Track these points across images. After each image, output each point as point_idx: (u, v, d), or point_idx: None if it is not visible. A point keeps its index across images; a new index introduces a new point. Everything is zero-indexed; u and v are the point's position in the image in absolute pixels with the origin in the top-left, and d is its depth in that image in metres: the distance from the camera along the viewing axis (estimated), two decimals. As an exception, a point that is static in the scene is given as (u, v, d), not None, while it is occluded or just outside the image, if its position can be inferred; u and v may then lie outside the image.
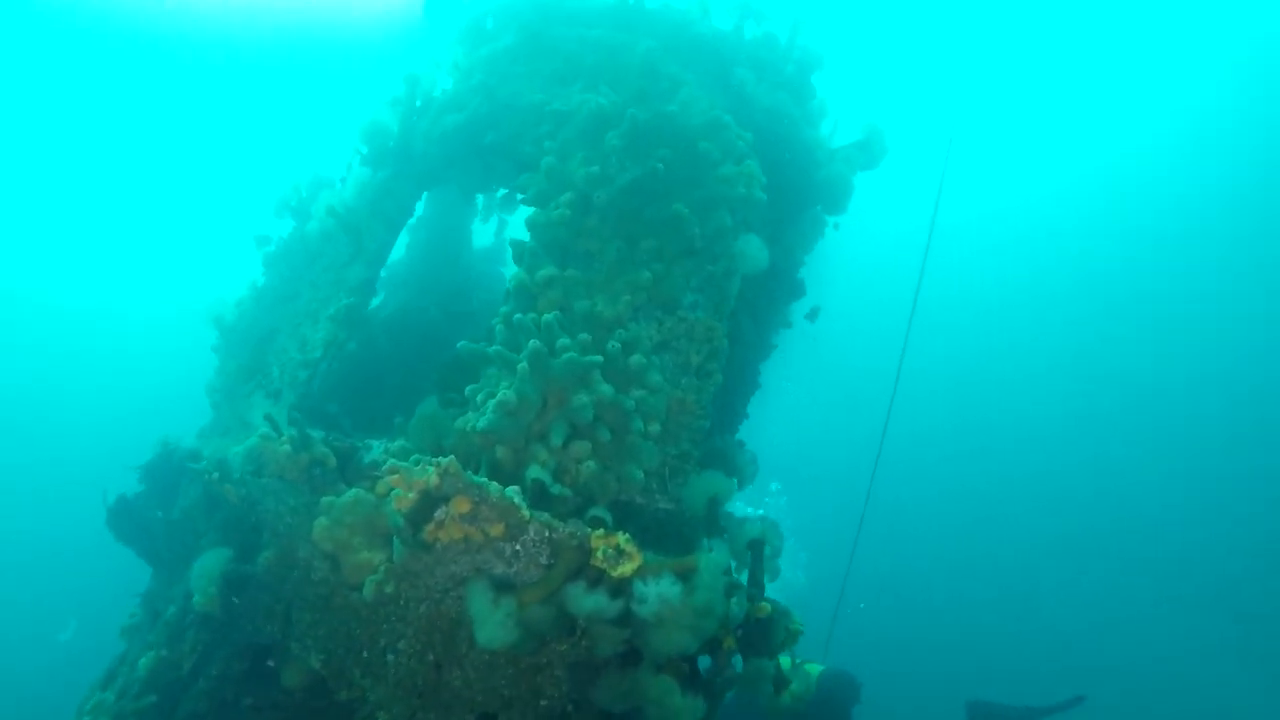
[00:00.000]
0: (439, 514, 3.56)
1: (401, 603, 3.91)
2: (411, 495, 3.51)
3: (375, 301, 8.43)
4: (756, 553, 4.57)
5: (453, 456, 3.47)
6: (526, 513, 3.60)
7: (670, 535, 4.84)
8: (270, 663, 4.05)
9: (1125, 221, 36.12)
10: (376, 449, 4.37)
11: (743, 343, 5.58)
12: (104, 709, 4.17)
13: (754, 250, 4.82)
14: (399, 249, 8.83)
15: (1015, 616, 31.48)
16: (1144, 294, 36.80)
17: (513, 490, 3.63)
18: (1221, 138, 32.03)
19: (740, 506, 6.22)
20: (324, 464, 4.20)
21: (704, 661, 4.48)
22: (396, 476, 3.46)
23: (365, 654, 3.93)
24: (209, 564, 3.98)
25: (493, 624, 3.46)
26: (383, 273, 8.86)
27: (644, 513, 4.67)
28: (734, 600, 4.00)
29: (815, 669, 7.00)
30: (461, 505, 3.52)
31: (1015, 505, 36.22)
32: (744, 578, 4.56)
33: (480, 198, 8.52)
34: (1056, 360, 38.53)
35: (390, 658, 3.92)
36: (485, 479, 3.59)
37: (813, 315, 6.73)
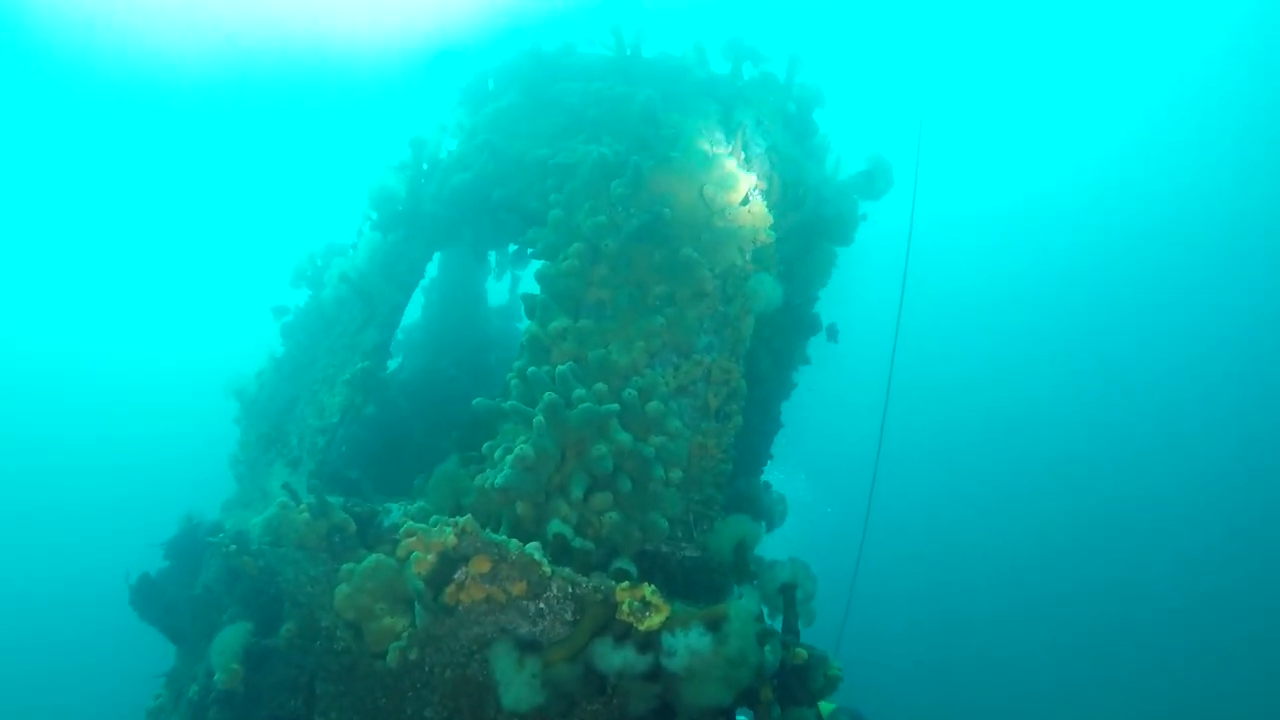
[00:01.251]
0: (459, 575, 3.48)
1: (427, 669, 3.82)
2: (430, 557, 3.45)
3: (393, 364, 8.49)
4: (789, 597, 4.43)
5: (470, 516, 3.41)
6: (548, 569, 3.52)
7: (700, 583, 4.73)
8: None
9: (1126, 212, 36.19)
10: (396, 512, 4.31)
11: (762, 382, 5.51)
12: None
13: (767, 289, 4.78)
14: (415, 311, 8.91)
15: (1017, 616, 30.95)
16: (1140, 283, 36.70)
17: (533, 546, 3.55)
18: (1209, 127, 32.16)
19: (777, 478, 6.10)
20: (344, 530, 4.15)
21: (744, 715, 4.34)
22: (414, 539, 3.40)
23: (392, 724, 3.83)
24: (230, 639, 3.92)
25: (519, 685, 3.36)
26: (400, 335, 8.95)
27: (671, 561, 4.57)
28: (768, 648, 3.86)
29: (828, 708, 6.76)
30: (481, 565, 3.44)
31: (1025, 499, 35.67)
32: (778, 623, 4.43)
33: (493, 255, 8.59)
34: (1060, 349, 38.24)
35: (418, 727, 3.81)
36: (504, 537, 3.52)
37: (833, 334, 6.66)
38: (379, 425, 7.59)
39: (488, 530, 3.52)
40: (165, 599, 4.54)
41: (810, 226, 5.77)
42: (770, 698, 4.01)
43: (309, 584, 3.99)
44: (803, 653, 4.16)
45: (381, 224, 5.62)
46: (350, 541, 4.18)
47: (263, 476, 5.43)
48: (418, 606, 3.70)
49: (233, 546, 3.92)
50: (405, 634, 3.79)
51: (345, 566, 3.96)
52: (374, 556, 3.97)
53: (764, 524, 4.86)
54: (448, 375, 8.07)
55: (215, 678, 3.87)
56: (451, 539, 3.37)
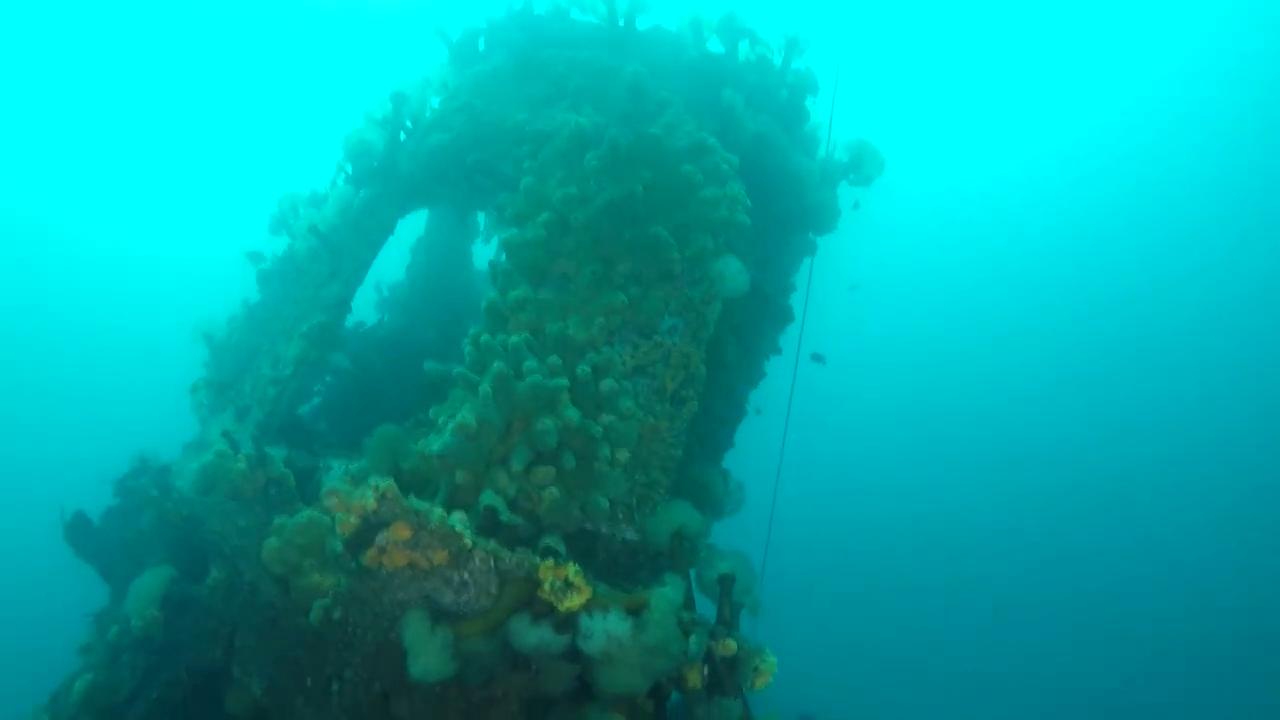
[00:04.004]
0: (380, 539, 3.44)
1: (349, 629, 3.79)
2: (353, 519, 3.40)
3: (373, 321, 8.43)
4: (726, 588, 4.38)
5: (391, 481, 3.35)
6: (469, 540, 3.47)
7: (644, 567, 4.69)
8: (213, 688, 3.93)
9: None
10: (337, 470, 4.27)
11: (727, 369, 5.43)
12: None
13: (733, 272, 4.69)
14: (399, 270, 8.84)
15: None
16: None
17: (456, 517, 3.50)
18: (1195, 107, 32.14)
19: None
20: (282, 484, 4.11)
21: (676, 698, 4.31)
22: (335, 499, 3.36)
23: (309, 681, 3.81)
24: (148, 584, 3.89)
25: (428, 655, 3.33)
26: (385, 292, 8.89)
27: (613, 543, 4.52)
28: (693, 638, 3.81)
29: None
30: (402, 531, 3.40)
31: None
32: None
33: (481, 218, 8.50)
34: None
35: (335, 686, 3.79)
36: (428, 504, 3.47)
37: (818, 359, 6.57)
38: (354, 381, 7.56)
39: (412, 496, 3.47)
40: (100, 538, 4.51)
41: (792, 215, 5.67)
42: (698, 685, 3.98)
43: (236, 535, 3.95)
44: (733, 644, 4.11)
45: (355, 178, 5.53)
46: (288, 495, 4.15)
47: (210, 427, 5.39)
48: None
49: (154, 491, 3.88)
50: (331, 592, 3.76)
51: (277, 520, 3.91)
52: (307, 512, 3.91)
53: (706, 513, 4.80)
54: (425, 336, 8.01)
55: (132, 622, 3.85)
56: (371, 503, 3.33)
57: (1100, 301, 37.55)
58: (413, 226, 8.76)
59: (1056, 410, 37.55)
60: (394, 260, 8.84)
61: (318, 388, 7.51)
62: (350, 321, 8.02)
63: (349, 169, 5.59)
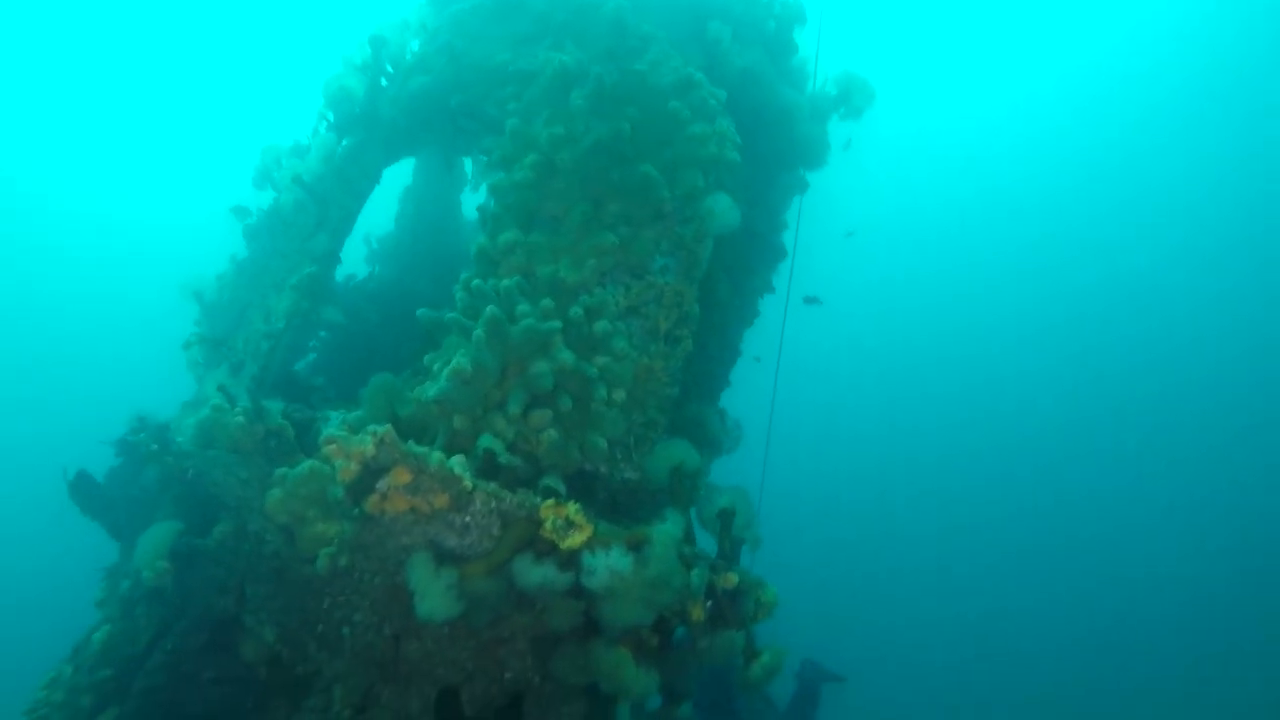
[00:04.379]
0: (381, 485, 3.47)
1: (356, 575, 3.85)
2: (354, 466, 3.42)
3: (364, 274, 8.37)
4: (726, 522, 4.44)
5: (389, 426, 3.37)
6: (469, 483, 3.51)
7: (644, 506, 4.75)
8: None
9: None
10: (335, 420, 4.28)
11: (720, 308, 5.43)
12: (61, 682, 4.17)
13: (724, 209, 4.65)
14: (389, 221, 8.75)
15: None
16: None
17: (456, 460, 3.53)
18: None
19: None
20: (280, 435, 4.12)
21: (681, 633, 4.40)
22: (334, 446, 3.37)
23: (321, 627, 3.88)
24: (156, 537, 3.94)
25: (434, 595, 3.38)
26: (374, 245, 8.81)
27: (613, 482, 4.57)
28: (695, 571, 3.88)
29: (775, 657, 6.89)
30: (402, 476, 3.42)
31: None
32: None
33: (468, 164, 8.38)
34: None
35: (346, 631, 3.87)
36: (426, 449, 3.49)
37: (812, 301, 6.53)
38: (348, 335, 7.54)
39: (411, 442, 3.49)
40: (104, 496, 4.55)
41: (782, 151, 5.60)
42: (701, 618, 4.07)
43: (238, 487, 3.98)
44: (734, 577, 4.19)
45: (337, 125, 5.44)
46: (287, 447, 4.16)
47: (207, 382, 5.39)
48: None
49: (154, 446, 3.90)
50: (336, 540, 3.80)
51: (279, 471, 3.94)
52: (308, 462, 3.94)
53: (704, 450, 4.84)
54: (417, 287, 7.96)
55: (143, 575, 3.90)
56: (370, 448, 3.34)
57: (1101, 239, 36.96)
58: (401, 176, 8.66)
59: (1053, 354, 37.45)
60: (383, 212, 8.76)
61: (312, 343, 7.50)
62: (341, 275, 7.99)
63: (330, 117, 5.49)
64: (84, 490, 4.45)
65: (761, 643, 4.46)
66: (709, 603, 4.14)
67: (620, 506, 4.61)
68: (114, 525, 4.49)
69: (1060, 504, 34.08)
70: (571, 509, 3.54)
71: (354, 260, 8.69)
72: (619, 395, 4.35)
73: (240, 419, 4.03)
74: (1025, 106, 36.13)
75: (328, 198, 5.40)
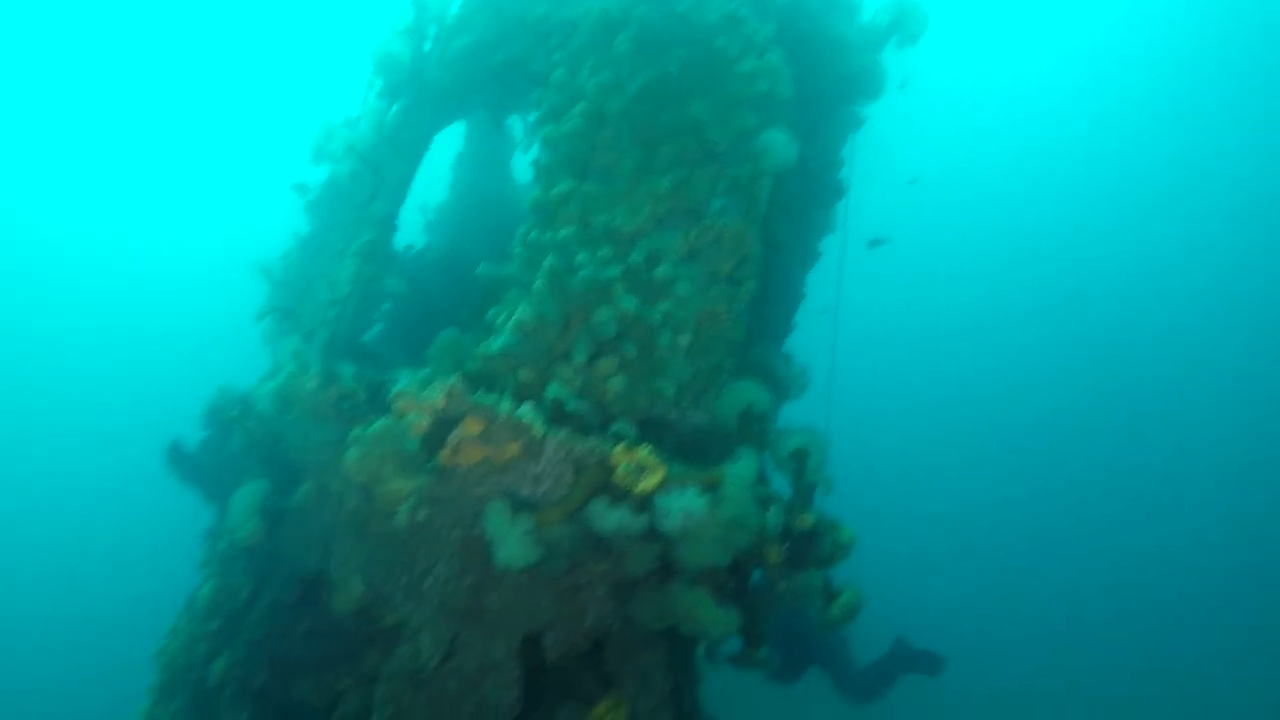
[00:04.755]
0: (453, 437, 3.52)
1: (435, 528, 3.93)
2: (425, 419, 3.48)
3: (420, 245, 8.47)
4: (799, 463, 4.40)
5: (458, 376, 3.40)
6: (540, 430, 3.53)
7: (713, 450, 4.72)
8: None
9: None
10: (403, 380, 4.35)
11: (782, 249, 5.33)
12: (179, 632, 4.42)
13: (779, 144, 4.53)
14: (443, 189, 8.81)
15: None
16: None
17: (525, 408, 3.55)
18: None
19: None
20: (352, 397, 4.22)
21: (758, 575, 4.39)
22: (405, 400, 3.43)
23: (404, 579, 3.98)
24: (245, 499, 4.09)
25: (511, 542, 3.43)
26: (430, 214, 8.89)
27: (681, 427, 4.56)
28: (771, 512, 3.86)
29: (850, 597, 6.83)
30: (473, 426, 3.46)
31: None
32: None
33: (518, 125, 8.36)
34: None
35: (429, 581, 3.96)
36: (496, 398, 3.52)
37: (875, 244, 6.32)
38: (411, 304, 7.67)
39: (480, 392, 3.52)
40: (195, 464, 4.75)
41: (834, 84, 5.43)
42: (778, 559, 4.05)
43: (316, 449, 4.09)
44: (810, 518, 4.16)
45: (385, 92, 5.46)
46: (360, 408, 4.25)
47: (280, 350, 5.54)
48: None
49: (235, 411, 4.03)
50: (413, 495, 3.88)
51: (354, 431, 4.03)
52: (382, 421, 4.02)
53: (773, 391, 4.79)
54: (474, 253, 8.02)
55: (237, 534, 4.06)
56: (440, 400, 3.39)
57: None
58: (453, 144, 8.70)
59: (1135, 301, 34.93)
60: (437, 181, 8.83)
61: (377, 315, 7.64)
62: (399, 245, 8.11)
63: (378, 84, 5.51)
64: (177, 458, 4.65)
65: (839, 582, 4.43)
66: (786, 544, 4.12)
67: (690, 452, 4.60)
68: (207, 491, 4.69)
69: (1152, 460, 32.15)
70: (644, 452, 3.55)
71: (412, 231, 8.81)
72: (684, 340, 4.32)
73: (314, 383, 4.13)
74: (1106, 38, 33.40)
75: (381, 165, 5.45)
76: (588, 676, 4.14)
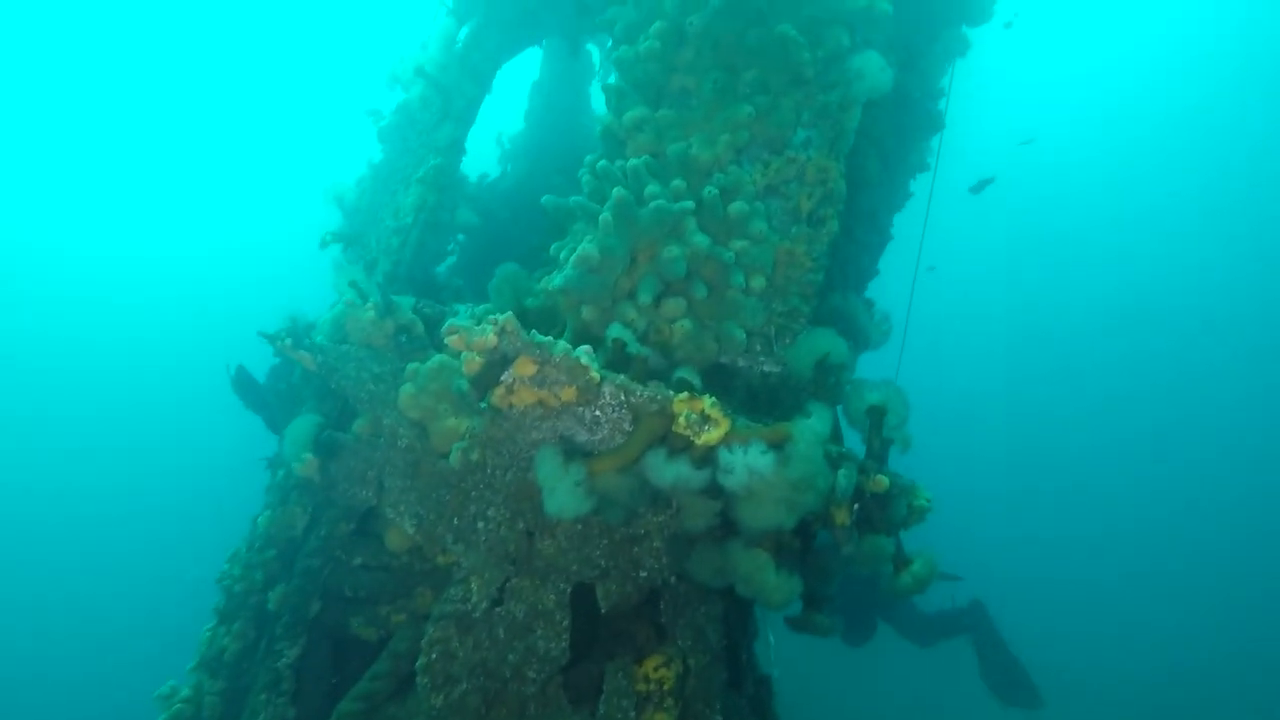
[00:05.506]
0: (506, 377, 3.32)
1: (489, 470, 3.78)
2: (478, 358, 3.28)
3: (495, 175, 8.26)
4: (876, 420, 4.06)
5: (510, 314, 3.18)
6: (597, 374, 3.30)
7: (785, 402, 4.43)
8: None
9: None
10: (463, 314, 4.18)
11: (868, 187, 4.91)
12: (239, 558, 4.45)
13: (874, 69, 4.09)
14: (518, 119, 8.55)
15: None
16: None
17: (582, 350, 3.32)
18: None
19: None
20: (410, 330, 4.07)
21: (824, 537, 4.13)
22: (456, 336, 3.23)
23: (456, 521, 3.86)
24: (299, 431, 4.02)
25: (562, 492, 3.24)
26: (506, 144, 8.65)
27: (751, 376, 4.28)
28: (842, 472, 3.56)
29: (926, 568, 6.46)
30: (526, 367, 3.26)
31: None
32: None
33: (595, 53, 7.99)
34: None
35: (480, 525, 3.83)
36: (551, 338, 3.29)
37: (979, 187, 5.80)
38: (484, 236, 7.51)
39: (534, 331, 3.30)
40: (261, 391, 4.72)
41: (937, 3, 4.90)
42: (847, 522, 3.77)
43: (372, 382, 3.97)
44: (884, 480, 3.84)
45: (456, 11, 5.18)
46: (418, 342, 4.11)
47: (342, 280, 5.44)
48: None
49: (288, 340, 3.92)
50: (467, 435, 3.73)
51: (410, 366, 3.90)
52: (438, 357, 3.88)
53: (851, 341, 4.44)
54: (549, 184, 7.78)
55: (292, 466, 4.00)
56: (491, 338, 3.18)
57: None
58: (529, 72, 8.40)
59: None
60: (513, 111, 8.57)
61: (450, 246, 7.51)
62: (473, 176, 7.92)
63: (449, 2, 5.24)
64: (243, 386, 4.62)
65: (912, 548, 4.12)
66: (856, 506, 3.83)
67: (759, 402, 4.33)
68: (271, 420, 4.67)
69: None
70: (707, 403, 3.28)
71: (488, 161, 8.60)
72: (758, 282, 4.01)
73: (371, 314, 3.99)
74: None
75: (451, 88, 5.21)
76: (640, 629, 3.98)
